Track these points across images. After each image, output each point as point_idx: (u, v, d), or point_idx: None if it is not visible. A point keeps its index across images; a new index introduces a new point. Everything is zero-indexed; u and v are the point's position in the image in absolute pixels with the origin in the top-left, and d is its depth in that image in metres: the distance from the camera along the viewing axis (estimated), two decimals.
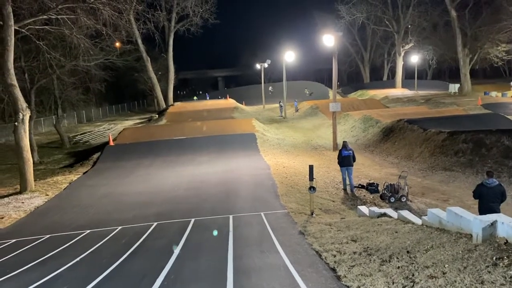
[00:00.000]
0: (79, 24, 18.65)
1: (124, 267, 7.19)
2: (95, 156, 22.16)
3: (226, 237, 8.47)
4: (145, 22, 42.36)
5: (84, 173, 19.08)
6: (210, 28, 49.28)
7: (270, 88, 53.73)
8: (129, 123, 45.71)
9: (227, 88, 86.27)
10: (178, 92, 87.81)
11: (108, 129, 40.07)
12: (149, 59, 46.93)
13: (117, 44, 34.61)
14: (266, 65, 47.89)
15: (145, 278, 6.49)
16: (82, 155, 25.49)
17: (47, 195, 15.26)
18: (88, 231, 10.32)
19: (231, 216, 10.30)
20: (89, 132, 39.11)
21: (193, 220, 10.30)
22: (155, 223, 10.35)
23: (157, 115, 42.71)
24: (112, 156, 21.38)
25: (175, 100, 52.72)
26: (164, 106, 48.13)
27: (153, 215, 11.30)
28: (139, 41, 43.98)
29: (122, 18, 19.61)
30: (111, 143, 23.72)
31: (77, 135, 36.70)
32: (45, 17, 17.41)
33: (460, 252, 5.32)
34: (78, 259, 7.87)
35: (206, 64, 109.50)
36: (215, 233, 8.95)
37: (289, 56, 40.69)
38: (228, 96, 51.18)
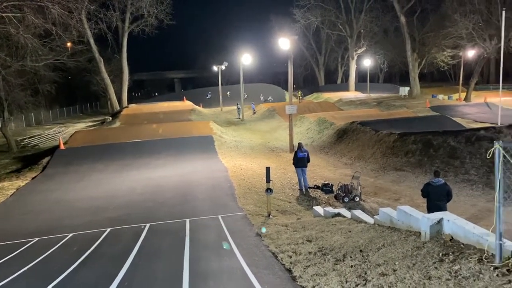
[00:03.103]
0: (26, 23, 17.81)
1: (75, 276, 6.93)
2: (45, 160, 21.21)
3: (183, 242, 8.37)
4: (97, 22, 41.10)
5: (32, 178, 18.23)
6: (166, 29, 48.56)
7: (228, 92, 53.57)
8: (81, 125, 44.21)
9: (184, 90, 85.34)
10: (133, 93, 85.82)
11: (59, 132, 38.50)
12: (102, 60, 45.56)
13: (68, 44, 33.40)
14: (223, 67, 47.83)
15: (97, 286, 6.29)
16: (30, 159, 24.32)
17: None
18: (37, 239, 9.86)
19: (187, 220, 10.18)
20: (38, 135, 37.39)
21: (148, 225, 10.10)
22: (109, 229, 10.05)
23: (110, 118, 41.53)
24: (63, 160, 20.55)
25: (129, 102, 51.46)
26: (118, 108, 46.89)
27: (107, 220, 10.96)
28: (92, 41, 42.60)
29: (72, 17, 18.90)
30: (62, 147, 22.82)
31: (25, 139, 34.97)
32: None
33: (410, 249, 5.53)
34: (25, 269, 7.49)
35: (162, 65, 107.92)
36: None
37: (246, 58, 40.86)
38: (185, 98, 50.59)
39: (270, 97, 55.13)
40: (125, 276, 6.62)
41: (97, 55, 44.59)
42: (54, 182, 16.99)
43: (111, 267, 7.12)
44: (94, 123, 45.04)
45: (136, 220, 10.69)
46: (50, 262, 7.95)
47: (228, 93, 52.87)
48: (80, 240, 9.33)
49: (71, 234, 9.92)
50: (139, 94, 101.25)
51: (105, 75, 46.56)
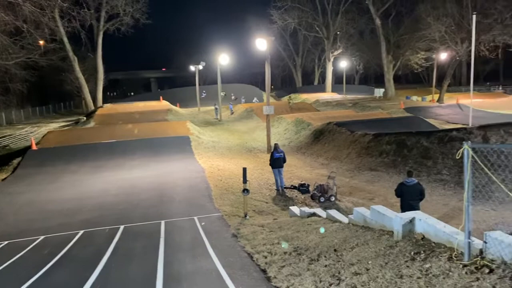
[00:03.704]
0: None
1: (45, 280, 6.76)
2: (16, 161, 20.64)
3: (157, 244, 8.26)
4: (71, 20, 40.20)
5: (3, 179, 17.71)
6: (142, 28, 47.97)
7: (222, 93, 52.94)
8: (54, 125, 43.14)
9: (160, 90, 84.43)
10: (108, 93, 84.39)
11: (31, 132, 37.49)
12: (76, 58, 44.62)
13: (40, 42, 32.61)
14: (200, 67, 47.56)
15: None
16: (1, 160, 23.62)
17: None
18: (6, 242, 9.58)
19: (163, 222, 10.07)
20: (9, 135, 36.33)
21: (122, 227, 9.94)
22: (82, 231, 9.85)
23: (85, 118, 40.75)
24: (35, 161, 20.03)
25: (104, 101, 50.59)
26: (93, 108, 46.04)
27: (80, 222, 10.74)
28: (65, 39, 41.64)
29: (45, 15, 18.44)
30: (34, 147, 22.24)
31: None
32: None
33: (383, 248, 5.60)
34: None
35: (138, 64, 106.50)
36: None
37: (224, 59, 40.74)
38: (161, 98, 50.05)
39: (255, 98, 54.97)
40: (97, 279, 6.50)
41: (71, 53, 43.65)
42: (25, 183, 16.56)
43: (84, 270, 6.97)
44: (68, 123, 44.04)
45: (110, 222, 10.50)
46: (20, 266, 7.74)
47: (222, 93, 52.49)
48: (52, 243, 9.10)
49: (42, 237, 9.68)
50: (115, 93, 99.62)
51: (79, 74, 45.64)
